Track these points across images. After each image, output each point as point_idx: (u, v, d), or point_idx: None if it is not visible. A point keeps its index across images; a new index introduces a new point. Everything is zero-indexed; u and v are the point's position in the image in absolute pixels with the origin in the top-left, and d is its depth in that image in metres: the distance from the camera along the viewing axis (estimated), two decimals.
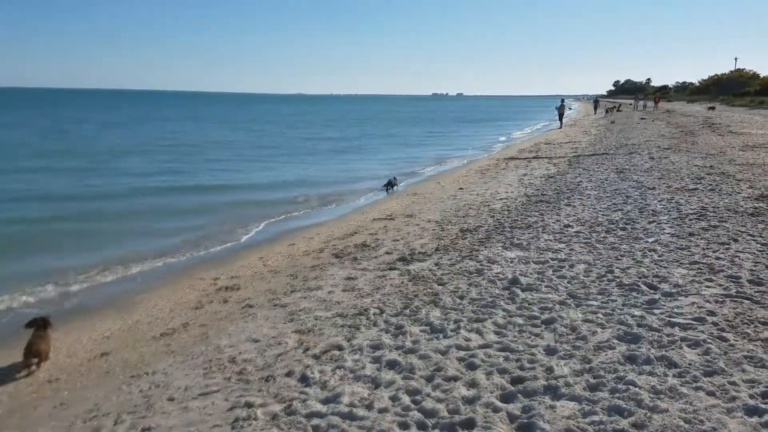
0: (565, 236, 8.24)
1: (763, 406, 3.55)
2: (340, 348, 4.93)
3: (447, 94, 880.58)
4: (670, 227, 8.39)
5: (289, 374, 4.51)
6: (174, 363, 4.98)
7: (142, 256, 9.28)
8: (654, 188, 11.81)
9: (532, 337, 4.88)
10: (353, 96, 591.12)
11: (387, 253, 8.18)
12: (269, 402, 4.08)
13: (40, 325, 5.40)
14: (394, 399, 3.97)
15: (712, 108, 51.85)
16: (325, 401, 4.01)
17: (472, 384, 4.09)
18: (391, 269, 7.30)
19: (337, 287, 6.78)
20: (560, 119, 42.36)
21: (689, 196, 10.76)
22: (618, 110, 58.80)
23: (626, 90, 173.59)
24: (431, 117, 76.02)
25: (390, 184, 16.25)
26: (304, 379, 4.39)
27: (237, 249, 9.99)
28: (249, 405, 4.05)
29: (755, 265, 6.42)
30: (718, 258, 6.77)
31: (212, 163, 22.82)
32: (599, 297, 5.72)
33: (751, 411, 3.52)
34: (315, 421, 3.74)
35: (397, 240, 8.97)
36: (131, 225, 11.76)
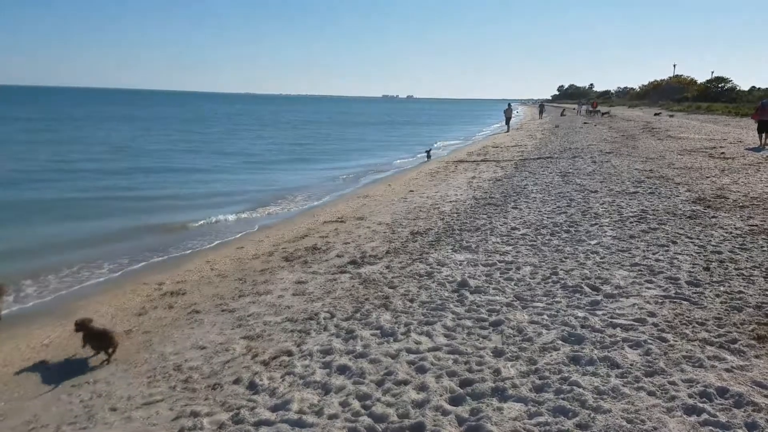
0: (512, 239, 8.40)
1: (701, 405, 3.70)
2: (289, 354, 4.88)
3: (397, 96, 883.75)
4: (612, 230, 8.66)
5: (236, 381, 4.44)
6: (116, 372, 4.82)
7: (82, 260, 8.95)
8: (596, 191, 12.17)
9: (481, 339, 4.95)
10: (302, 97, 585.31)
11: (338, 256, 8.15)
12: (216, 411, 4.00)
13: None
14: (344, 404, 3.96)
15: (658, 114, 53.78)
16: (274, 408, 3.96)
17: (422, 387, 4.12)
18: (342, 272, 7.28)
19: (287, 291, 6.71)
20: (507, 123, 43.13)
21: (630, 199, 11.15)
22: (602, 114, 56.76)
23: (570, 95, 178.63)
24: (387, 120, 75.91)
25: (428, 153, 24.87)
26: (253, 386, 4.32)
27: (183, 253, 9.74)
28: (195, 414, 3.96)
29: (693, 267, 6.69)
30: (657, 260, 7.03)
31: (154, 167, 22.20)
32: (544, 299, 5.86)
33: (689, 410, 3.66)
34: (263, 430, 3.69)
35: (348, 243, 8.95)
36: (70, 229, 11.31)
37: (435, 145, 31.09)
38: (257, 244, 9.80)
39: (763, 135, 21.07)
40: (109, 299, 7.09)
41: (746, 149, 19.77)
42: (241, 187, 17.28)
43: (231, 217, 12.69)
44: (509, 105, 45.24)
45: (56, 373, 4.97)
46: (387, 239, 8.95)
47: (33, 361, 5.29)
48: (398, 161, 25.09)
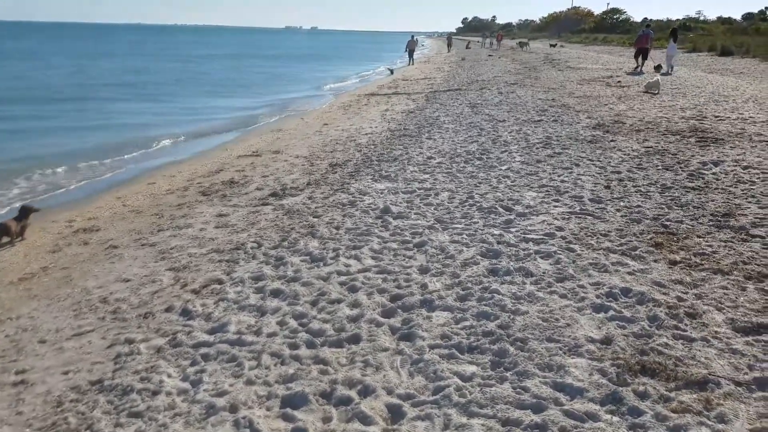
0: (428, 167, 8.66)
1: (608, 303, 4.15)
2: (220, 282, 4.92)
3: (301, 27, 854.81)
4: (520, 156, 9.12)
5: (168, 309, 4.44)
6: (39, 307, 4.68)
7: None
8: (504, 121, 12.64)
9: (406, 259, 5.20)
10: (199, 27, 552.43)
11: (258, 189, 8.10)
12: (151, 337, 4.02)
13: None
14: (281, 324, 4.09)
15: (554, 45, 55.78)
16: (212, 331, 4.03)
17: (355, 304, 4.32)
18: (264, 204, 7.26)
19: (209, 224, 6.64)
20: (410, 56, 42.77)
21: (535, 127, 11.68)
22: (527, 44, 57.83)
23: (474, 27, 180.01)
24: (298, 54, 73.46)
25: (391, 70, 31.42)
26: (186, 313, 4.35)
27: (90, 190, 9.31)
28: (129, 341, 3.96)
29: (595, 186, 7.24)
30: (563, 181, 7.54)
31: (48, 102, 20.64)
32: (463, 220, 6.18)
33: (598, 308, 4.10)
34: (203, 350, 3.77)
35: (267, 176, 8.88)
36: None
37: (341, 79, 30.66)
38: (169, 180, 9.52)
39: (641, 60, 24.85)
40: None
41: (627, 73, 21.31)
42: (142, 121, 16.44)
43: (136, 155, 12.17)
44: (413, 37, 44.91)
45: None
46: (306, 171, 8.96)
47: None
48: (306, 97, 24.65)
